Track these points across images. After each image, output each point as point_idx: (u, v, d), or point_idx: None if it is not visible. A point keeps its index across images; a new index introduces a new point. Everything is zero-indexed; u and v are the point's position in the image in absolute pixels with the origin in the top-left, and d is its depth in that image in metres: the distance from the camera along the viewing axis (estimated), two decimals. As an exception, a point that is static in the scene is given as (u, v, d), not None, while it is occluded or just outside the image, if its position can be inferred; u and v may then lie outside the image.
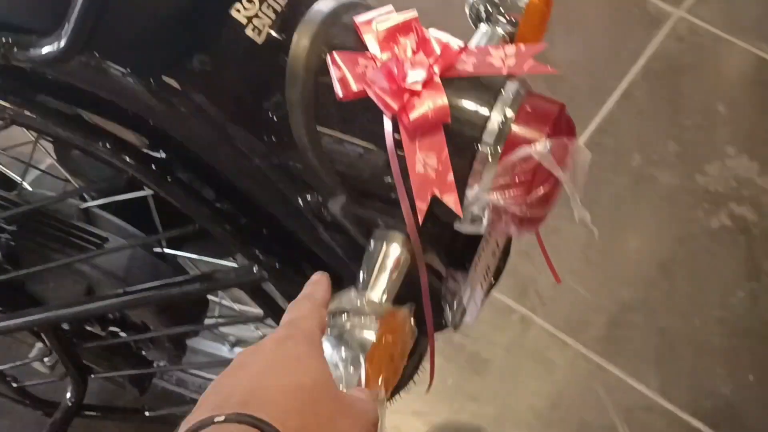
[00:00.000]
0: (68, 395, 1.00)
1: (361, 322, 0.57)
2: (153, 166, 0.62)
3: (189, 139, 0.61)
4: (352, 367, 0.56)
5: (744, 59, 1.63)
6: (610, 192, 1.45)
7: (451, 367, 1.30)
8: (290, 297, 0.71)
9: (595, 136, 1.52)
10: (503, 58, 0.60)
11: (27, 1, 0.53)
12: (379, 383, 0.56)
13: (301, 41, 0.59)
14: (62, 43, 0.48)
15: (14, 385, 1.09)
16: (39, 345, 1.00)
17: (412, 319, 0.59)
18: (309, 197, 0.64)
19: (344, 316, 0.58)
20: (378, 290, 0.60)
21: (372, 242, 0.62)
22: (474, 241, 0.68)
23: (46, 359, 1.01)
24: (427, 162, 0.58)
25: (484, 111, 0.57)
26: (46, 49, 0.51)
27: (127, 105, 0.58)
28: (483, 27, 0.68)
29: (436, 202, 0.58)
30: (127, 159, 0.62)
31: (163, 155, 0.63)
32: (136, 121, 0.60)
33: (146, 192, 0.71)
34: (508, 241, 0.78)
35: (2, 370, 1.07)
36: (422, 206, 0.57)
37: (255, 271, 0.67)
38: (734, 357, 1.31)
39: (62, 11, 0.50)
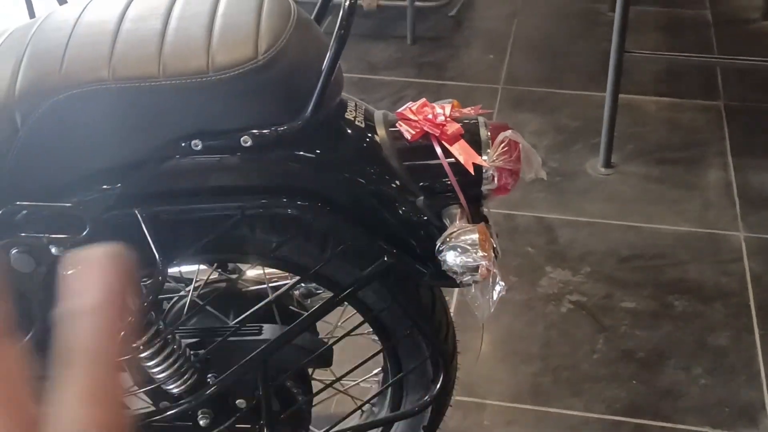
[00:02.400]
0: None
1: (467, 233, 1.10)
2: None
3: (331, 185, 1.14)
4: (473, 252, 1.08)
5: None
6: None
7: None
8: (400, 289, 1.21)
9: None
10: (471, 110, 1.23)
11: (273, 109, 1.06)
12: (489, 249, 1.09)
13: (379, 121, 1.17)
14: (308, 113, 1.03)
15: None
16: None
17: (490, 229, 1.13)
18: (404, 209, 1.18)
19: (452, 236, 1.11)
20: (463, 223, 1.14)
21: (443, 213, 1.17)
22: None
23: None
24: (461, 153, 1.16)
25: (477, 127, 1.17)
26: (288, 127, 1.05)
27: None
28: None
29: (470, 179, 1.15)
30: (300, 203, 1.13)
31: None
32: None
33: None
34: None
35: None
36: (470, 170, 1.14)
37: (385, 259, 1.17)
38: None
39: (293, 108, 1.05)
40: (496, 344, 1.95)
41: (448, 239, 1.10)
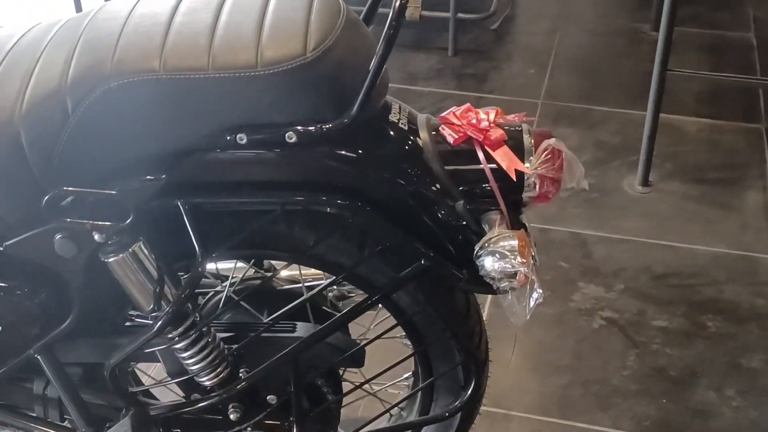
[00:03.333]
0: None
1: (506, 238, 1.10)
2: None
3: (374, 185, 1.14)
4: (512, 258, 1.08)
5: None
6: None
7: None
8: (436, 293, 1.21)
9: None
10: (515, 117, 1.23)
11: (319, 106, 1.07)
12: (528, 256, 1.08)
13: (422, 125, 1.17)
14: (353, 111, 1.04)
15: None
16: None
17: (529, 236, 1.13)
18: (443, 212, 1.17)
19: (491, 242, 1.11)
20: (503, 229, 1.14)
21: (482, 219, 1.17)
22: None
23: None
24: (504, 159, 1.16)
25: (520, 134, 1.17)
26: (334, 125, 1.05)
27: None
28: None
29: (511, 185, 1.15)
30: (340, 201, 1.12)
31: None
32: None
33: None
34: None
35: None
36: (513, 176, 1.14)
37: (422, 262, 1.17)
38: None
39: (338, 106, 1.06)
40: (526, 355, 1.94)
41: (486, 244, 1.10)
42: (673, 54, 2.33)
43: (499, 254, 1.09)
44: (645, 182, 2.51)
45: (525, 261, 1.08)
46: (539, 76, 3.09)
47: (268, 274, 1.39)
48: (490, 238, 1.11)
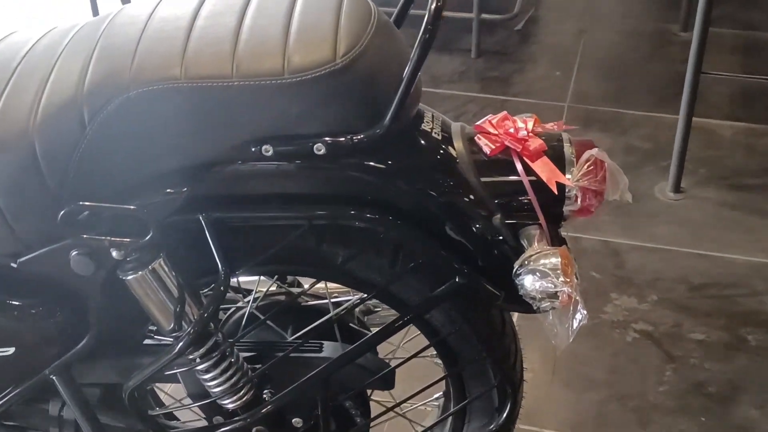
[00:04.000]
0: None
1: (547, 256, 1.03)
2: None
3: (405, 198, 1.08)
4: (554, 278, 1.01)
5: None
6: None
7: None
8: (470, 313, 1.15)
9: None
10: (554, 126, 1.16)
11: (349, 116, 1.00)
12: (571, 275, 1.02)
13: (456, 134, 1.11)
14: (386, 121, 0.97)
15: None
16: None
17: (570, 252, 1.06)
18: (478, 226, 1.11)
19: (531, 259, 1.04)
20: (543, 245, 1.07)
21: (521, 234, 1.10)
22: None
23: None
24: (544, 171, 1.09)
25: (561, 144, 1.11)
26: (365, 136, 0.99)
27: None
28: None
29: (552, 198, 1.09)
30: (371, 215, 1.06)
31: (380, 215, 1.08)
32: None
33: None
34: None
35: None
36: (553, 189, 1.07)
37: (457, 280, 1.10)
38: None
39: (370, 115, 1.00)
40: (559, 369, 1.87)
41: (526, 262, 1.03)
42: (706, 55, 2.25)
43: (540, 273, 1.02)
44: (677, 188, 2.44)
45: (568, 280, 1.01)
46: (565, 79, 3.01)
47: (294, 290, 1.33)
48: (530, 256, 1.04)
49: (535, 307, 1.04)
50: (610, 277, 2.13)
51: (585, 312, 1.03)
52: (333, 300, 1.27)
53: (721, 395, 1.81)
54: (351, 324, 1.32)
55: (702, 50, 2.22)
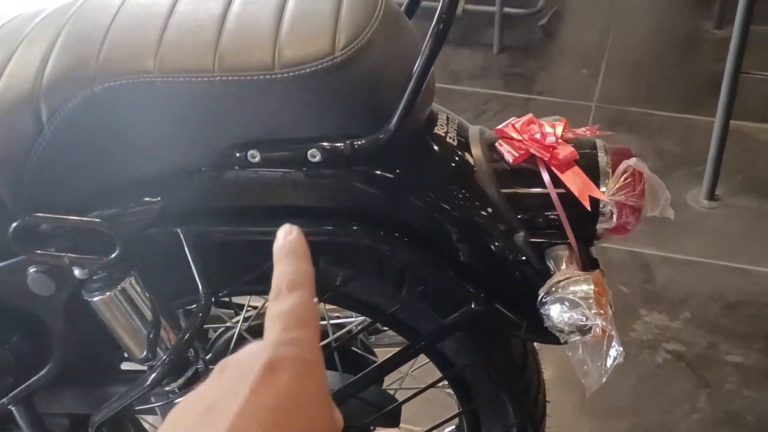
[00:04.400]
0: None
1: (578, 282, 0.89)
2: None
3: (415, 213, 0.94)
4: (586, 309, 0.87)
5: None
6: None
7: None
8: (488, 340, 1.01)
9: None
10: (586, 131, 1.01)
11: (349, 117, 0.87)
12: (606, 306, 0.87)
13: (475, 139, 0.97)
14: (392, 125, 0.84)
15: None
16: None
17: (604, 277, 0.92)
18: (498, 244, 0.97)
19: (559, 286, 0.90)
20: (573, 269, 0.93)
21: (547, 254, 0.96)
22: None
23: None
24: (575, 183, 0.95)
25: (594, 152, 0.96)
26: (367, 142, 0.85)
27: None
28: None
29: (584, 215, 0.94)
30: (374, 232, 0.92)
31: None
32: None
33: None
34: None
35: None
36: (586, 204, 0.93)
37: (473, 306, 0.96)
38: None
39: (373, 118, 0.86)
40: (580, 394, 1.72)
41: (553, 289, 0.89)
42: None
43: (569, 302, 0.88)
44: (711, 196, 2.28)
45: (602, 312, 0.87)
46: (592, 77, 2.86)
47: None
48: (558, 281, 0.90)
49: (562, 340, 0.90)
50: (639, 291, 1.98)
51: (621, 349, 0.88)
52: (333, 322, 1.14)
53: (761, 425, 1.66)
54: (354, 348, 1.18)
55: (743, 48, 2.07)
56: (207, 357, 1.04)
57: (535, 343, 1.13)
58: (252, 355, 0.41)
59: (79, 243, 0.87)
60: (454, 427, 1.22)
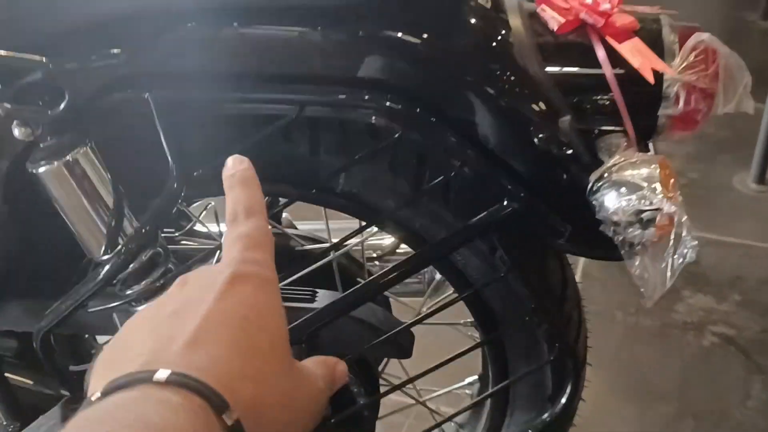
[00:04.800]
0: None
1: (637, 165, 0.71)
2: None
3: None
4: (649, 192, 0.69)
5: None
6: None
7: None
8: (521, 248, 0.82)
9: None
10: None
11: None
12: (675, 189, 0.69)
13: (513, 7, 0.79)
14: None
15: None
16: None
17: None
18: (541, 135, 0.79)
19: (614, 169, 0.72)
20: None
21: (599, 144, 0.78)
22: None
23: None
24: (635, 55, 0.78)
25: (658, 27, 0.79)
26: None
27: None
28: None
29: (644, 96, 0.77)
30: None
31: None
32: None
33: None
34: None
35: None
36: (649, 77, 0.75)
37: (506, 203, 0.78)
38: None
39: None
40: (621, 376, 1.53)
41: (607, 174, 0.72)
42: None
43: (628, 186, 0.70)
44: (761, 180, 2.10)
45: (670, 195, 0.69)
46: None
47: (289, 231, 1.02)
48: (615, 164, 0.72)
49: (617, 242, 0.72)
50: (682, 273, 1.78)
51: (696, 243, 0.70)
52: (336, 241, 0.96)
53: (824, 415, 1.46)
54: (359, 279, 1.01)
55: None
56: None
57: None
58: (214, 269, 0.45)
59: (22, 96, 0.70)
60: (477, 376, 1.03)
